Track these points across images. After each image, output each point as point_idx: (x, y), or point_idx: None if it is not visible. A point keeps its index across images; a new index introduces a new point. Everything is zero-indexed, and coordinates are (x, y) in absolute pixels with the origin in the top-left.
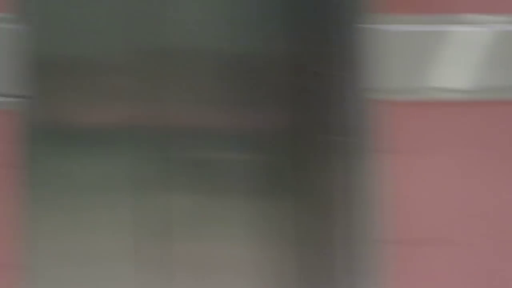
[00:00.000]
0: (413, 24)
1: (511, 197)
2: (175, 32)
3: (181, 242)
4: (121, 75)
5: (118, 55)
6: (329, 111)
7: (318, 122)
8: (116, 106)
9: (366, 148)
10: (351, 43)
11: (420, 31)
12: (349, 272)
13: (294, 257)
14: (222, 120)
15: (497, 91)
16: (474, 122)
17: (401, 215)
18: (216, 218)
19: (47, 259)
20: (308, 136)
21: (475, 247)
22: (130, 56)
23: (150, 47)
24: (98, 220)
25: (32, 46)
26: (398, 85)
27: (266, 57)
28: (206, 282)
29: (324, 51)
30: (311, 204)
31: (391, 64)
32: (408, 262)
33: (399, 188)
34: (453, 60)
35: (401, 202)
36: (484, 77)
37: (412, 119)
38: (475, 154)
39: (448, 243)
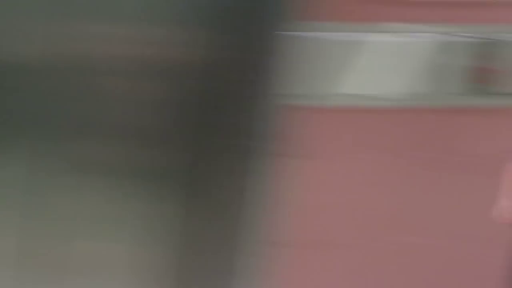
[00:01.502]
0: (332, 31)
1: (412, 203)
2: None
3: (61, 242)
4: None
5: None
6: (240, 116)
7: (228, 126)
8: None
9: (273, 153)
10: (267, 49)
11: (337, 39)
12: (240, 274)
13: (185, 260)
14: (123, 120)
15: (406, 99)
16: (383, 129)
17: (298, 219)
18: (104, 219)
19: None
20: (217, 140)
21: (368, 250)
22: None
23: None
24: None
25: None
26: (311, 91)
27: (181, 60)
28: (80, 284)
29: (239, 56)
30: (211, 208)
31: (306, 70)
32: (300, 265)
33: (300, 192)
34: (368, 68)
35: (301, 206)
36: (396, 85)
37: (322, 125)
38: (380, 160)
39: (342, 247)
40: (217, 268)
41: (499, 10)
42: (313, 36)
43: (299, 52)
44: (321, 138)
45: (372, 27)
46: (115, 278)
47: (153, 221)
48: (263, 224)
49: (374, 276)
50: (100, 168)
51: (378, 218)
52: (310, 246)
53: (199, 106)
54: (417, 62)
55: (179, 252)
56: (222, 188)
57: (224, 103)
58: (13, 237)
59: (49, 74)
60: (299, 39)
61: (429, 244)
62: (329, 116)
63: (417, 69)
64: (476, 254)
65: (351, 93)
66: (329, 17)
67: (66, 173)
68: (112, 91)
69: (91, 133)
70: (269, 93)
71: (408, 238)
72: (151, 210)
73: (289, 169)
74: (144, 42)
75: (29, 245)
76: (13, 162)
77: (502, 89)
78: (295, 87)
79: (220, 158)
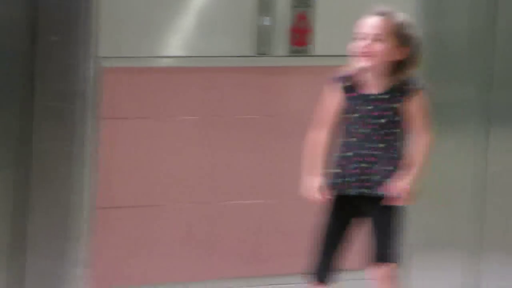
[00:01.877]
0: None
1: (219, 161)
2: None
3: None
4: None
5: None
6: (55, 79)
7: (45, 89)
8: None
9: (88, 115)
10: (82, 10)
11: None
12: (61, 236)
13: (8, 226)
14: None
15: (211, 59)
16: (191, 89)
17: (113, 181)
18: None
19: None
20: (35, 103)
21: (181, 209)
22: None
23: None
24: None
25: None
26: (123, 52)
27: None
28: None
29: (57, 17)
30: (38, 173)
31: (123, 32)
32: (118, 226)
33: (117, 153)
34: (175, 28)
35: (115, 167)
36: (201, 45)
37: (134, 86)
38: (191, 120)
39: (155, 206)
40: (48, 231)
41: None
42: None
43: (115, 14)
44: (137, 99)
45: None
46: None
47: None
48: (86, 188)
49: (188, 236)
50: None
51: (188, 177)
52: (125, 207)
53: (18, 69)
54: (235, 23)
55: (8, 219)
56: (46, 153)
57: (43, 66)
58: None
59: None
60: (115, 0)
61: (246, 203)
62: (148, 77)
63: (236, 30)
64: (293, 211)
65: (171, 54)
66: None
67: None
68: None
69: None
70: (88, 55)
71: (223, 198)
72: None
73: (105, 131)
74: None
75: None
76: None
77: (316, 50)
78: (108, 49)
79: (43, 122)
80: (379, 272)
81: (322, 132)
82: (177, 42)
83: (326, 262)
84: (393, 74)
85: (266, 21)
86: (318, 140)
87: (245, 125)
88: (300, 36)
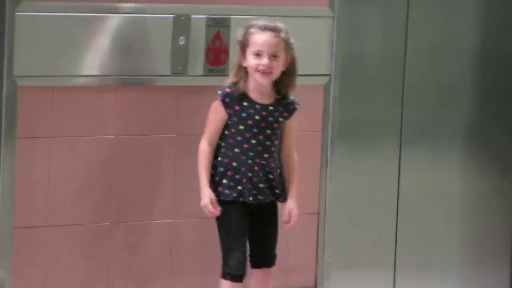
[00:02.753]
0: (56, 11)
1: (135, 180)
2: None
3: None
4: None
5: None
6: None
7: None
8: None
9: (2, 134)
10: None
11: (62, 18)
12: None
13: None
14: None
15: (127, 78)
16: (107, 108)
17: (30, 200)
18: None
19: None
20: None
21: (92, 230)
22: None
23: None
24: None
25: None
26: (38, 71)
27: None
28: None
29: None
30: None
31: (32, 51)
32: (31, 245)
33: (32, 173)
34: (91, 47)
35: (31, 187)
36: (116, 65)
37: (50, 105)
38: (107, 139)
39: (67, 227)
40: None
41: None
42: (43, 16)
43: (30, 33)
44: (53, 118)
45: (102, 7)
46: None
47: None
48: (2, 206)
49: (98, 256)
50: None
51: (105, 198)
52: (37, 227)
53: None
54: (151, 43)
55: None
56: None
57: None
58: None
59: None
60: (25, 19)
61: (160, 223)
62: (64, 96)
63: (152, 50)
64: (195, 229)
65: (84, 73)
66: None
67: None
68: None
69: None
70: (2, 74)
71: (138, 217)
72: None
73: (21, 150)
74: None
75: None
76: None
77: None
78: (23, 68)
79: None
80: (265, 273)
81: (209, 144)
82: (93, 61)
83: (240, 258)
84: (275, 86)
85: (182, 40)
86: (206, 152)
87: (161, 144)
88: (216, 56)
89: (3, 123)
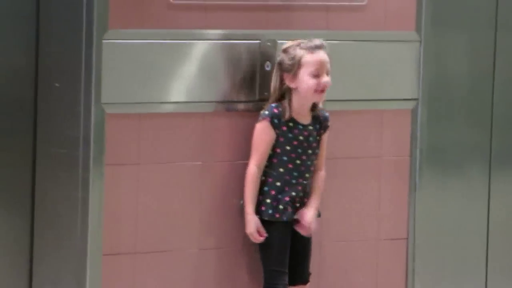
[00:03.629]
0: (143, 38)
1: (220, 206)
2: None
3: None
4: None
5: None
6: (63, 124)
7: (48, 135)
8: None
9: (91, 160)
10: (86, 57)
11: (149, 45)
12: (68, 285)
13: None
14: None
15: (211, 104)
16: (192, 134)
17: (118, 227)
18: None
19: None
20: (36, 148)
21: (188, 255)
22: None
23: None
24: None
25: None
26: (125, 98)
27: (4, 69)
28: None
29: (60, 64)
30: (42, 217)
31: (119, 78)
32: (121, 272)
33: (121, 199)
34: (178, 74)
35: (119, 213)
36: (201, 91)
37: (137, 132)
38: (193, 165)
39: (157, 252)
40: (54, 279)
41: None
42: (130, 43)
43: (117, 60)
44: (140, 145)
45: (189, 34)
46: None
47: None
48: (91, 233)
49: (188, 276)
50: None
51: (193, 224)
52: (131, 253)
53: (20, 116)
54: (238, 68)
55: (12, 267)
56: (49, 199)
57: (45, 112)
58: None
59: None
60: (111, 47)
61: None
62: (151, 123)
63: (238, 75)
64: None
65: (171, 100)
66: (143, 24)
67: None
68: None
69: None
70: (91, 101)
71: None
72: None
73: (109, 177)
74: None
75: None
76: None
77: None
78: (110, 95)
79: (46, 168)
80: None
81: (258, 167)
82: (180, 87)
83: (285, 281)
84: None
85: (268, 66)
86: (255, 176)
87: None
88: None
89: (91, 150)
